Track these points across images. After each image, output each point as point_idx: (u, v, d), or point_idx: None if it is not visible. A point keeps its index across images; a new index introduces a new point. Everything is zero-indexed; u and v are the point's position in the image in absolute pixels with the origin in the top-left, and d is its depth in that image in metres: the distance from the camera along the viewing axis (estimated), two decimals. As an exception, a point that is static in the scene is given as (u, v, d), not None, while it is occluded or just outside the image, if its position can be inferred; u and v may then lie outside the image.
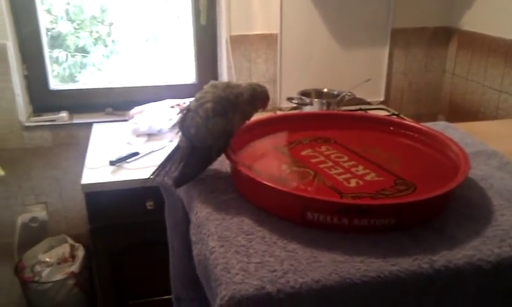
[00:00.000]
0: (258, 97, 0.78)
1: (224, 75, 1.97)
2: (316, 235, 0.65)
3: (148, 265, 1.59)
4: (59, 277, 1.80)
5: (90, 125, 1.87)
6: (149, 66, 2.12)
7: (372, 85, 2.03)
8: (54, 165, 1.90)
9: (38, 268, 1.84)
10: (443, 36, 2.12)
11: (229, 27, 1.91)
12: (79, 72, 2.03)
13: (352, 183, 0.74)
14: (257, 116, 0.87)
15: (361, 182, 0.74)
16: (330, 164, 0.80)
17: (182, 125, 0.79)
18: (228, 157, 0.76)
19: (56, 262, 1.87)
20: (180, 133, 0.80)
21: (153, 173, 0.82)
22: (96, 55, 2.04)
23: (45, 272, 1.81)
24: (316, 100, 1.84)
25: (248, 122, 0.81)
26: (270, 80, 2.02)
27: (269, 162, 0.83)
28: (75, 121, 1.89)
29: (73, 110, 1.93)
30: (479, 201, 0.75)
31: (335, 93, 1.88)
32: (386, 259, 0.60)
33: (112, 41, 2.05)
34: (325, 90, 1.92)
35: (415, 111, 2.20)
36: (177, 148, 0.79)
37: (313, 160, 0.82)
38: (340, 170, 0.78)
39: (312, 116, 1.00)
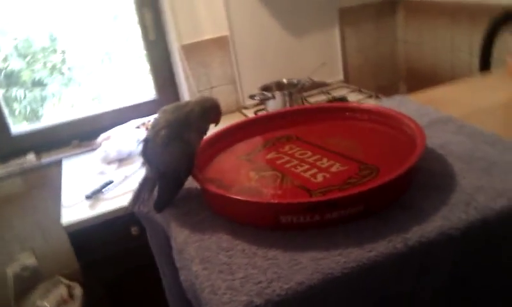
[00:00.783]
0: (208, 111, 0.80)
1: (184, 85, 1.98)
2: (293, 237, 0.67)
3: (146, 287, 1.60)
4: (61, 320, 1.79)
5: (60, 161, 1.86)
6: (109, 88, 2.10)
7: (329, 67, 2.07)
8: (32, 209, 1.88)
9: (39, 315, 1.82)
10: (390, 7, 2.17)
11: (179, 37, 1.92)
12: (41, 106, 2.00)
13: (319, 178, 0.77)
14: (216, 128, 0.89)
15: (327, 175, 0.77)
16: (295, 162, 0.83)
17: (144, 154, 0.81)
18: (194, 177, 0.78)
19: (55, 306, 1.85)
20: (145, 164, 0.81)
21: (129, 202, 0.83)
22: (54, 85, 2.01)
23: (47, 319, 1.80)
24: (278, 92, 1.86)
25: (205, 137, 0.84)
26: (229, 81, 2.03)
27: (237, 173, 0.84)
28: (44, 160, 1.88)
29: (39, 150, 1.91)
30: (441, 169, 0.78)
31: (295, 81, 1.91)
32: (362, 246, 0.63)
33: (68, 68, 2.02)
34: (285, 81, 1.94)
35: (375, 84, 2.24)
36: (145, 178, 0.81)
37: (279, 162, 0.84)
38: (306, 166, 0.80)
39: (267, 118, 1.02)
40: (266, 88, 1.89)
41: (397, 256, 0.62)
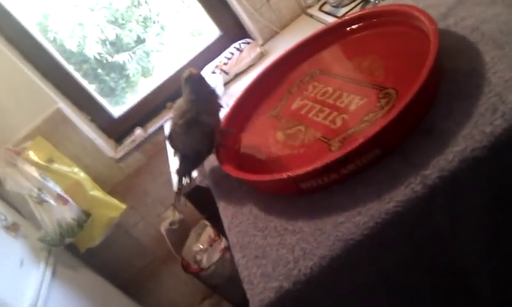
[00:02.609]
0: (188, 81, 0.81)
1: (241, 11, 1.89)
2: (317, 200, 0.67)
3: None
4: (217, 256, 2.01)
5: (162, 127, 2.00)
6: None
7: None
8: (158, 173, 2.09)
9: (198, 257, 2.07)
10: None
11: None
12: (148, 61, 2.09)
13: (338, 122, 0.73)
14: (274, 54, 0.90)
15: (346, 117, 0.73)
16: (318, 107, 0.79)
17: (172, 145, 0.89)
18: (218, 160, 0.81)
19: (208, 246, 2.08)
20: (176, 153, 0.89)
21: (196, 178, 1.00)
22: (151, 39, 2.09)
23: (205, 258, 2.03)
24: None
25: (235, 100, 0.88)
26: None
27: (265, 137, 0.84)
28: (150, 130, 2.04)
29: (143, 122, 2.07)
30: (470, 66, 0.67)
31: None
32: (380, 198, 0.60)
33: (157, 14, 2.06)
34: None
35: None
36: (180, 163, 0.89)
37: (302, 112, 0.81)
38: (327, 110, 0.77)
39: (292, 53, 0.95)
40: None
41: (417, 200, 0.58)
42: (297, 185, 0.68)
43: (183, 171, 0.89)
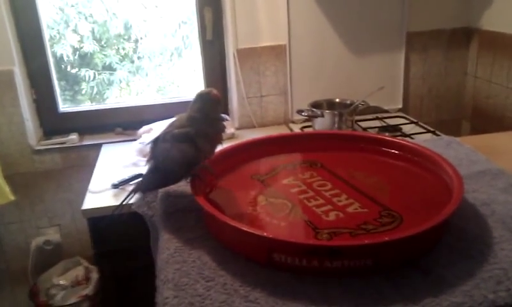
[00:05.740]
0: (203, 99, 0.75)
1: (234, 89, 1.92)
2: (283, 280, 0.58)
3: (154, 288, 1.55)
4: (73, 300, 1.78)
5: (100, 145, 1.85)
6: (173, 82, 2.11)
7: (388, 92, 1.93)
8: (65, 187, 1.89)
9: (52, 291, 1.82)
10: (463, 37, 2.00)
11: (236, 40, 1.86)
12: (107, 89, 2.03)
13: (332, 216, 0.67)
14: (241, 140, 0.83)
15: (341, 215, 0.67)
16: (311, 193, 0.73)
17: (153, 149, 0.80)
18: (192, 189, 0.71)
19: (70, 285, 1.85)
20: (150, 159, 0.79)
21: (135, 203, 0.88)
22: (122, 72, 2.03)
23: (59, 296, 1.80)
24: (327, 111, 1.75)
25: (227, 146, 0.78)
26: (280, 92, 1.95)
27: (245, 193, 0.76)
28: (85, 142, 1.88)
29: (83, 131, 1.92)
30: (478, 232, 0.66)
31: (348, 102, 1.79)
32: (359, 310, 0.53)
33: (138, 57, 2.04)
34: (337, 100, 1.83)
35: (437, 118, 2.08)
36: (147, 174, 0.78)
37: (293, 190, 0.75)
38: (321, 201, 0.71)
39: (299, 137, 0.93)
40: (316, 105, 1.79)
41: (399, 331, 0.51)
42: (269, 253, 0.59)
43: (143, 186, 0.79)
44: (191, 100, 0.77)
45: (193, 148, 0.71)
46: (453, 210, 0.60)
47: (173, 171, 0.73)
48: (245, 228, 0.59)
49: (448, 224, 0.65)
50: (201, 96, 0.74)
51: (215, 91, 0.74)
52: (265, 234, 0.58)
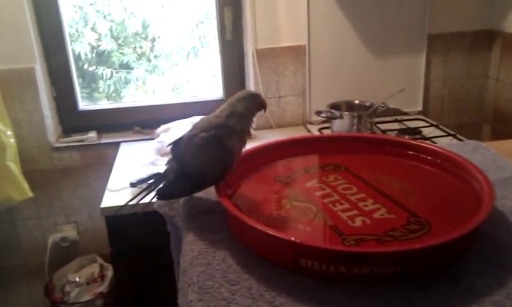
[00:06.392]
0: (250, 100, 0.74)
1: (252, 90, 1.91)
2: (310, 285, 0.57)
3: (170, 287, 1.55)
4: (87, 297, 1.79)
5: (118, 144, 1.86)
6: (189, 81, 2.12)
7: (408, 94, 1.90)
8: (83, 185, 1.91)
9: (67, 288, 1.84)
10: (485, 39, 1.97)
11: (255, 40, 1.85)
12: (124, 88, 2.05)
13: (358, 222, 0.66)
14: (262, 141, 0.82)
15: (368, 221, 0.66)
16: (336, 197, 0.72)
17: (175, 151, 0.78)
18: (217, 190, 0.70)
19: (85, 282, 1.86)
20: (172, 161, 0.78)
21: (156, 203, 0.84)
22: (139, 70, 2.05)
23: (74, 293, 1.81)
24: (346, 113, 1.74)
25: (248, 148, 0.77)
26: (299, 93, 1.94)
27: (269, 196, 0.76)
28: (104, 140, 1.89)
29: (102, 130, 1.93)
30: (507, 240, 0.64)
31: (367, 104, 1.78)
32: (387, 317, 0.52)
33: (155, 56, 2.05)
34: (356, 102, 1.82)
35: (457, 121, 2.05)
36: (163, 175, 0.76)
37: (318, 193, 0.74)
38: (347, 205, 0.70)
39: (323, 140, 0.92)
40: (335, 106, 1.77)
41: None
42: (296, 258, 0.58)
43: (168, 192, 0.77)
44: (237, 96, 0.75)
45: (227, 151, 0.71)
46: (484, 218, 0.59)
47: (207, 175, 0.71)
48: (272, 232, 0.59)
49: (478, 232, 0.63)
50: (253, 97, 0.74)
51: (264, 97, 0.74)
52: (292, 239, 0.57)
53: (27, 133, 1.79)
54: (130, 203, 0.80)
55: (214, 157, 0.71)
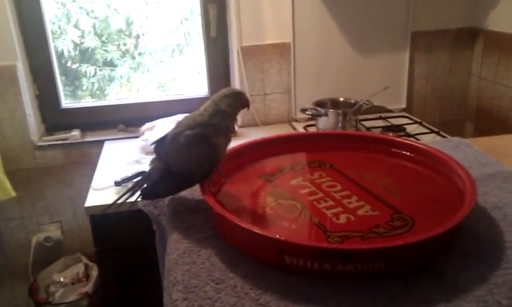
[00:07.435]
0: (233, 97, 0.74)
1: (237, 87, 1.91)
2: (294, 283, 0.57)
3: (156, 286, 1.54)
4: (72, 297, 1.78)
5: (102, 142, 1.85)
6: (174, 78, 2.11)
7: (392, 92, 1.92)
8: (67, 184, 1.88)
9: (52, 288, 1.82)
10: (468, 37, 1.99)
11: (240, 38, 1.85)
12: (108, 85, 2.02)
13: (342, 219, 0.66)
14: (246, 139, 0.82)
15: (352, 218, 0.66)
16: (320, 195, 0.73)
17: (158, 150, 0.77)
18: (201, 188, 0.70)
19: (70, 282, 1.85)
20: (156, 160, 0.77)
21: (141, 202, 0.84)
22: (123, 68, 2.02)
23: (59, 293, 1.79)
24: (331, 110, 1.75)
25: (232, 146, 0.77)
26: (284, 91, 1.94)
27: (254, 194, 0.76)
28: (87, 139, 1.87)
29: (85, 128, 1.91)
30: (490, 235, 0.65)
31: (352, 101, 1.79)
32: (372, 314, 0.52)
33: (139, 53, 2.03)
34: (341, 99, 1.83)
35: (440, 118, 2.07)
36: (148, 175, 0.75)
37: (303, 191, 0.74)
38: (331, 203, 0.70)
39: (309, 137, 0.92)
40: (320, 104, 1.78)
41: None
42: (281, 256, 0.58)
43: (153, 192, 0.76)
44: (220, 93, 0.75)
45: (213, 148, 0.71)
46: (467, 214, 0.60)
47: (194, 174, 0.71)
48: (257, 230, 0.59)
49: (460, 228, 0.64)
50: (236, 95, 0.74)
51: (247, 96, 0.75)
52: (278, 236, 0.57)
53: (9, 131, 1.77)
54: (118, 202, 0.79)
55: (200, 155, 0.71)
